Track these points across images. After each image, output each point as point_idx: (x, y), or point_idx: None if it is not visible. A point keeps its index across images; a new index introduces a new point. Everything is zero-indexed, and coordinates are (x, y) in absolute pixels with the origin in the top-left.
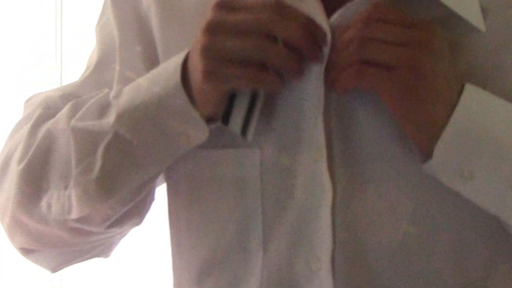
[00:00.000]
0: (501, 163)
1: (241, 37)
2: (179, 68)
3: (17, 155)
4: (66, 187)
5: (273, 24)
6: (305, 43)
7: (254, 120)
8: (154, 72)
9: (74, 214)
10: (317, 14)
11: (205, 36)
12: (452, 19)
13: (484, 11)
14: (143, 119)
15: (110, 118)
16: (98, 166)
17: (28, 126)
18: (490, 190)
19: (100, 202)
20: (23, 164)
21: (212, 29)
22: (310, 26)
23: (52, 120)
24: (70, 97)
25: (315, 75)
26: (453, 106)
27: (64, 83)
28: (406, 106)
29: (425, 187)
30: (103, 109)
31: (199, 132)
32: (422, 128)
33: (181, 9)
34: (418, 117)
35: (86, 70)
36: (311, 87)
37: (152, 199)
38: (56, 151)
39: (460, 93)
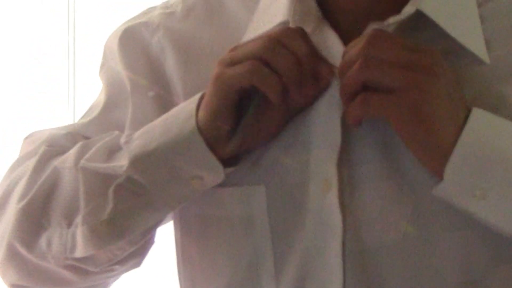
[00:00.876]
0: None
1: (239, 64)
2: (194, 113)
3: (17, 192)
4: (69, 225)
5: (265, 52)
6: (292, 78)
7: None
8: (167, 116)
9: (78, 253)
10: (332, 44)
11: (216, 69)
12: (457, 50)
13: (487, 42)
14: (157, 164)
15: (123, 162)
16: (110, 207)
17: (32, 161)
18: (503, 209)
19: (110, 243)
20: (24, 202)
21: (223, 63)
22: (311, 58)
23: (60, 158)
24: (76, 136)
25: (324, 108)
26: (461, 128)
27: (76, 89)
28: (413, 129)
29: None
30: (113, 152)
31: (215, 175)
32: (431, 151)
33: (198, 48)
34: (426, 140)
35: (90, 111)
36: (320, 120)
37: (153, 241)
38: (60, 189)
39: (467, 116)
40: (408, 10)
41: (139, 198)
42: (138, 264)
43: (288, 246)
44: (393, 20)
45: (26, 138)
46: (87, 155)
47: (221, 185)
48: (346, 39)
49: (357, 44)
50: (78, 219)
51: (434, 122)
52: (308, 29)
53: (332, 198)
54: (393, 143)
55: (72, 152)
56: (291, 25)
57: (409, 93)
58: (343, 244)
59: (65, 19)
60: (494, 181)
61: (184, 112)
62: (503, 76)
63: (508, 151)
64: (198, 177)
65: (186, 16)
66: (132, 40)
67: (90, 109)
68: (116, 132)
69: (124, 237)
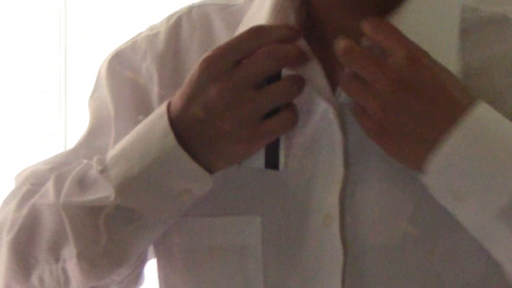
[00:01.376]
0: (493, 190)
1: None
2: (169, 128)
3: (6, 227)
4: (57, 261)
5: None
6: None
7: (283, 149)
8: (139, 136)
9: (75, 286)
10: (317, 79)
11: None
12: None
13: (467, 75)
14: (144, 187)
15: (106, 192)
16: (104, 239)
17: (14, 202)
18: (475, 215)
19: (110, 272)
20: (10, 240)
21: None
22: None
23: (38, 195)
24: (60, 170)
25: (325, 135)
26: (455, 121)
27: (68, 87)
28: (389, 147)
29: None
30: (87, 183)
31: (203, 184)
32: (410, 163)
33: (185, 69)
34: (404, 155)
35: (76, 143)
36: (323, 151)
37: (146, 258)
38: (42, 226)
39: (469, 105)
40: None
41: (132, 223)
42: (137, 283)
43: (282, 279)
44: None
45: (18, 174)
46: (64, 191)
47: (214, 214)
48: (327, 57)
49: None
50: (67, 253)
51: (408, 142)
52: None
53: (334, 231)
54: None
55: (49, 188)
56: None
57: (380, 116)
58: (343, 279)
59: (57, 20)
60: (475, 187)
61: (158, 128)
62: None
63: (495, 160)
64: (186, 190)
65: (169, 37)
66: (120, 66)
67: (78, 140)
68: (84, 161)
69: (123, 264)
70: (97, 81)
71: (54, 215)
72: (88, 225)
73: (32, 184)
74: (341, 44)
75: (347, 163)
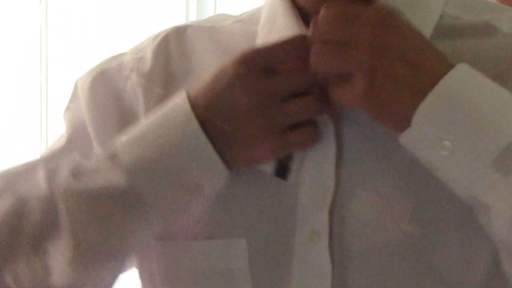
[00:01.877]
0: (482, 138)
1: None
2: (192, 115)
3: None
4: (37, 254)
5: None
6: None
7: (297, 163)
8: (153, 124)
9: (54, 281)
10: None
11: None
12: None
13: None
14: (158, 174)
15: (115, 179)
16: (104, 228)
17: None
18: (468, 164)
19: (102, 265)
20: None
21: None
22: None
23: (22, 188)
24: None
25: (315, 152)
26: (439, 78)
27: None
28: (375, 110)
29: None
30: (88, 173)
31: (217, 179)
32: (396, 123)
33: (173, 88)
34: (390, 114)
35: (50, 149)
36: (311, 164)
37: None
38: (25, 219)
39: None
40: None
41: (136, 214)
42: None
43: None
44: None
45: None
46: (60, 181)
47: (196, 237)
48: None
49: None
50: (52, 246)
51: (393, 99)
52: None
53: (322, 247)
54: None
55: (39, 180)
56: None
57: (360, 79)
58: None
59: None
60: (464, 135)
61: (179, 114)
62: None
63: (485, 109)
64: (199, 185)
65: (157, 56)
66: (104, 85)
67: (50, 148)
68: (76, 157)
69: (116, 258)
70: (75, 94)
71: (43, 206)
72: (87, 215)
73: (12, 180)
74: (314, 19)
75: (338, 171)
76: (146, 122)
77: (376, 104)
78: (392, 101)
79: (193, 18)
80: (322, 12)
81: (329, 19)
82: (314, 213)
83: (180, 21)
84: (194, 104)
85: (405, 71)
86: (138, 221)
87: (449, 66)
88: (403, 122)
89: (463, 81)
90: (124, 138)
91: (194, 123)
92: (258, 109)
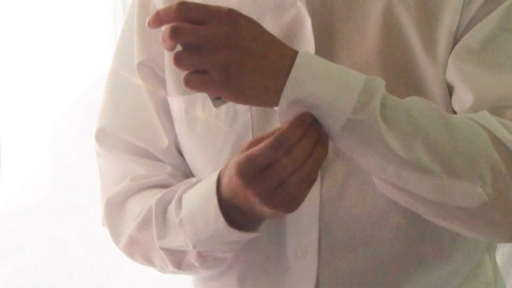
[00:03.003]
0: (334, 105)
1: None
2: (219, 213)
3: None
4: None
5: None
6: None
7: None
8: (197, 209)
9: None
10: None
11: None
12: None
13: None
14: (212, 244)
15: (184, 240)
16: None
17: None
18: (328, 125)
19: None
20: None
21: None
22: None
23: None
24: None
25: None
26: (286, 74)
27: None
28: (238, 97)
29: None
30: (170, 228)
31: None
32: (262, 102)
33: None
34: (254, 97)
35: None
36: None
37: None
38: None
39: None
40: None
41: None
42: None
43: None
44: None
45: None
46: (155, 229)
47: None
48: None
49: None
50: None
51: (250, 88)
52: None
53: (310, 261)
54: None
55: (148, 222)
56: None
57: (215, 74)
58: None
59: None
60: (321, 99)
61: (211, 209)
62: None
63: (328, 96)
64: (237, 242)
65: None
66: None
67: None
68: (158, 197)
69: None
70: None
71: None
72: (176, 254)
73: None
74: (165, 32)
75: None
76: (193, 198)
77: (237, 92)
78: (252, 87)
79: None
80: (174, 8)
81: (178, 28)
82: (303, 234)
83: None
84: (221, 195)
85: (254, 61)
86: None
87: (293, 53)
88: (269, 100)
89: (307, 64)
90: (184, 208)
91: (222, 221)
92: (270, 197)
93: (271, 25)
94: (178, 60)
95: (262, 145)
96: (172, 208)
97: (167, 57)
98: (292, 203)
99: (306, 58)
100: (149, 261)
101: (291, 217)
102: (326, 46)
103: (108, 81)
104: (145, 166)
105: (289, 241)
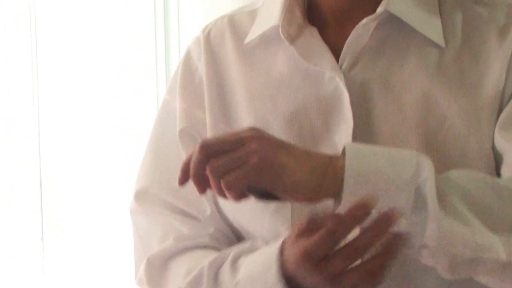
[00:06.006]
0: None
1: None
2: (281, 280)
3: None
4: None
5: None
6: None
7: None
8: (255, 275)
9: None
10: (315, 43)
11: None
12: (420, 37)
13: (445, 31)
14: None
15: None
16: None
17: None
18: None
19: None
20: None
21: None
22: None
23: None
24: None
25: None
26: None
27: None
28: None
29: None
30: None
31: None
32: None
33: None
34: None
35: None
36: None
37: None
38: None
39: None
40: (379, 10)
41: None
42: None
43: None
44: (366, 20)
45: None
46: None
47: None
48: (331, 37)
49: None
50: None
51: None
52: (293, 33)
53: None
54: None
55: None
56: (280, 29)
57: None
58: None
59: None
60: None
61: (271, 276)
62: (458, 55)
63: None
64: None
65: (205, 45)
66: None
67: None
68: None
69: None
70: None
71: None
72: None
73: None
74: (210, 179)
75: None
76: (252, 265)
77: (288, 189)
78: (302, 186)
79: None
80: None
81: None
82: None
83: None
84: (283, 269)
85: (294, 159)
86: None
87: (335, 153)
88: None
89: (358, 155)
90: (243, 274)
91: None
92: (329, 283)
93: (309, 98)
94: (214, 170)
95: (320, 235)
96: (225, 270)
97: (209, 123)
98: None
99: (353, 148)
100: None
101: None
102: (364, 121)
103: (151, 143)
104: (187, 225)
105: None
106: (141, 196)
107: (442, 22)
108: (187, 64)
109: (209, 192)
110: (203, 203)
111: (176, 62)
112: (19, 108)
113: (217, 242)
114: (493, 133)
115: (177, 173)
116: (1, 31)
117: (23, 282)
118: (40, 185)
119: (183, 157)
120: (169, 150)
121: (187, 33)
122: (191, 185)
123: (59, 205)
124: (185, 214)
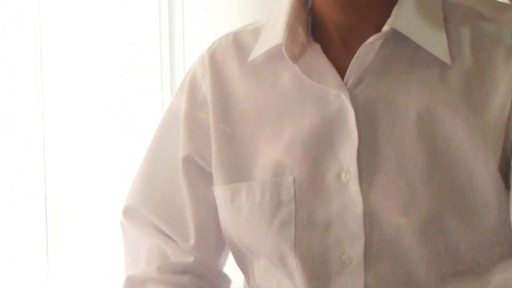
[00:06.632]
0: None
1: None
2: None
3: None
4: None
5: None
6: None
7: None
8: None
9: None
10: (319, 62)
11: None
12: (427, 56)
13: (451, 49)
14: None
15: None
16: None
17: None
18: None
19: None
20: None
21: None
22: None
23: None
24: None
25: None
26: None
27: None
28: None
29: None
30: None
31: None
32: None
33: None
34: None
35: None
36: None
37: None
38: None
39: None
40: (385, 29)
41: None
42: None
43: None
44: (373, 38)
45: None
46: None
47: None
48: (336, 54)
49: None
50: None
51: None
52: (296, 52)
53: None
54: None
55: None
56: (284, 48)
57: None
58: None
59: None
60: None
61: None
62: (464, 73)
63: None
64: None
65: (210, 64)
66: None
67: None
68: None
69: None
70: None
71: None
72: None
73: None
74: None
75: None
76: None
77: None
78: None
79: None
80: None
81: None
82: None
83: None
84: None
85: None
86: None
87: None
88: None
89: None
90: None
91: None
92: None
93: (315, 115)
94: None
95: None
96: None
97: (215, 146)
98: None
99: None
100: None
101: None
102: (369, 139)
103: (147, 160)
104: (171, 248)
105: None
106: (129, 212)
107: (448, 40)
108: (192, 82)
109: (200, 220)
110: (188, 231)
111: (180, 62)
112: (23, 109)
113: (202, 267)
114: (499, 155)
115: (167, 198)
116: (6, 31)
117: (25, 282)
118: (45, 185)
119: (180, 184)
120: (163, 174)
121: (192, 34)
122: (179, 212)
123: (63, 204)
124: (170, 238)
